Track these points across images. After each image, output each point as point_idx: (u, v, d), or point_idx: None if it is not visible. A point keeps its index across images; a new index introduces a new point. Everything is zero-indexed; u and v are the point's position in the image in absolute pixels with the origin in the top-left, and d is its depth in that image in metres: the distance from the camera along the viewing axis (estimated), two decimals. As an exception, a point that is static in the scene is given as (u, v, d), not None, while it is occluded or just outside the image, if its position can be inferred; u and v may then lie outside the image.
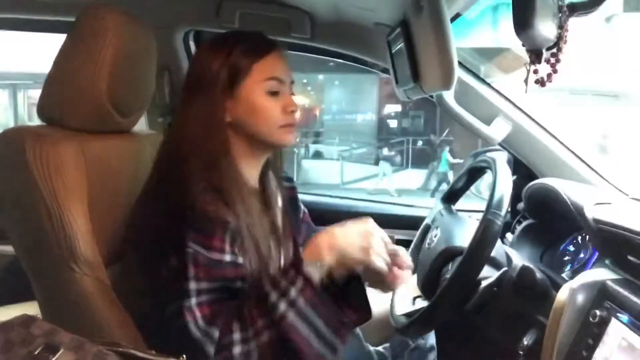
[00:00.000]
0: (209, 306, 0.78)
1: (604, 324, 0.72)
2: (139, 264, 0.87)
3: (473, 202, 1.53)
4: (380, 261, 0.82)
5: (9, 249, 1.03)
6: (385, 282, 0.89)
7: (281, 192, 1.07)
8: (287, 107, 0.92)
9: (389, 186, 10.78)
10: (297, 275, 0.79)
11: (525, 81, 0.63)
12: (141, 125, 1.28)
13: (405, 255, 0.90)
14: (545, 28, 0.60)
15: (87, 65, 0.90)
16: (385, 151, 12.13)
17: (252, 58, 0.90)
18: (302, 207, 1.19)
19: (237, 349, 0.76)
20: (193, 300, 0.77)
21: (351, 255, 0.81)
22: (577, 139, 1.30)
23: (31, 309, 0.85)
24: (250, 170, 0.96)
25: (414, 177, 11.52)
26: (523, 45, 0.62)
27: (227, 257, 0.80)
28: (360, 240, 0.81)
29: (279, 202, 1.06)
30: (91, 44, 0.91)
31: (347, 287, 0.90)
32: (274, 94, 0.91)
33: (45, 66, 0.95)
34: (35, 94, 1.08)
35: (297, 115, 0.93)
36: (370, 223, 0.84)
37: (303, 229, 1.16)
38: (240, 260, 0.83)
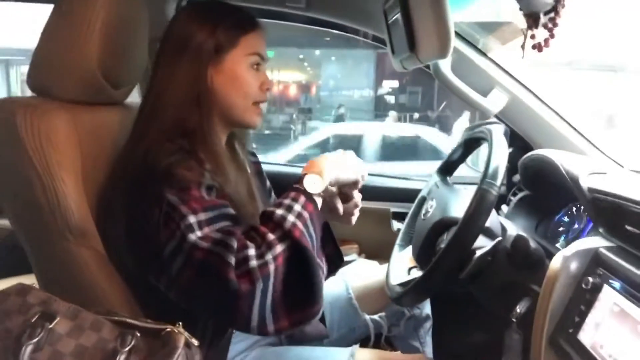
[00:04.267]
0: (216, 231, 0.77)
1: (596, 290, 0.73)
2: (118, 227, 0.85)
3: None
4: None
5: (5, 222, 1.03)
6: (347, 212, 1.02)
7: (249, 163, 1.11)
8: (265, 84, 0.96)
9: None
10: (299, 193, 0.84)
11: (522, 46, 0.62)
12: (135, 97, 1.27)
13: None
14: (543, -9, 0.59)
15: (76, 35, 0.88)
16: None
17: (240, 30, 0.92)
18: (268, 182, 1.22)
19: (253, 262, 0.74)
20: (198, 233, 0.75)
21: (345, 174, 0.91)
22: (576, 112, 1.30)
23: (28, 281, 0.85)
24: (221, 134, 0.97)
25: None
26: (520, 9, 0.61)
27: (207, 198, 0.80)
28: (347, 161, 0.93)
29: (249, 172, 1.09)
30: (80, 13, 0.89)
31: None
32: (256, 69, 0.95)
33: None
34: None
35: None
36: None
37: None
38: (225, 201, 0.83)
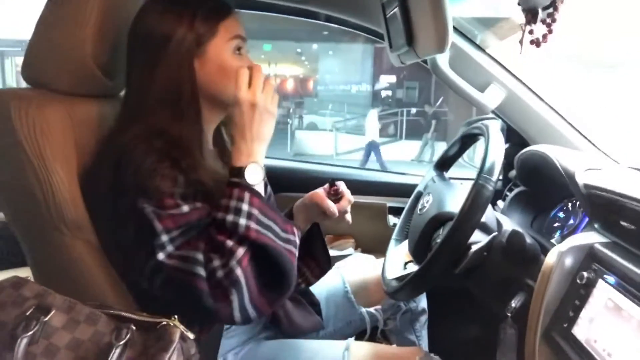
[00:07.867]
0: (186, 244, 0.79)
1: (590, 285, 0.73)
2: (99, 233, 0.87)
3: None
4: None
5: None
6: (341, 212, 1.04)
7: None
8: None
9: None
10: (242, 190, 0.82)
11: (521, 42, 0.62)
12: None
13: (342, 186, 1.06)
14: (541, -15, 0.59)
15: (71, 26, 0.88)
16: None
17: (218, 17, 0.91)
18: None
19: (220, 273, 0.77)
20: (170, 248, 0.78)
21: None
22: (573, 108, 1.30)
23: (23, 274, 0.85)
24: (207, 130, 0.97)
25: (408, 148, 11.53)
26: (519, 4, 0.61)
27: (185, 208, 0.80)
28: None
29: None
30: (75, 3, 0.88)
31: (309, 241, 1.06)
32: (239, 53, 0.93)
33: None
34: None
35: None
36: None
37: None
38: (199, 204, 0.82)
